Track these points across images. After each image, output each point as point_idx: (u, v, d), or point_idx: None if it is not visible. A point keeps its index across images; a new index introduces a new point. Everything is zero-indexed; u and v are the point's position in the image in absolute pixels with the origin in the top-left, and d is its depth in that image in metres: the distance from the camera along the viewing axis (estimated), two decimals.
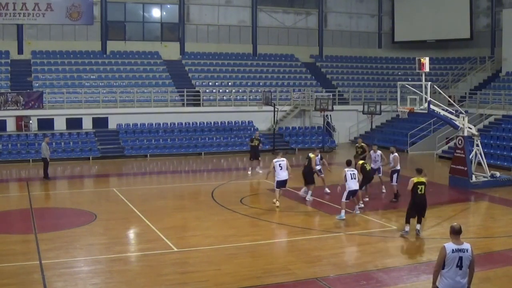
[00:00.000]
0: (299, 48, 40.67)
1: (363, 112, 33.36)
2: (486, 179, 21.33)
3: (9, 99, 29.68)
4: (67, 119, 30.69)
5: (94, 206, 18.01)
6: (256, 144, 24.61)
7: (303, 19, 41.14)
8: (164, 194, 20.65)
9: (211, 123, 32.78)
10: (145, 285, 11.01)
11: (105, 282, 11.26)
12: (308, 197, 18.60)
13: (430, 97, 20.49)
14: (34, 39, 35.03)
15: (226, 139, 31.78)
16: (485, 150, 23.78)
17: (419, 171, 14.60)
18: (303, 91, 35.71)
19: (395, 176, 18.53)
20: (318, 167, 19.52)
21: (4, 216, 17.09)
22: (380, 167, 19.55)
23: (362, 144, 21.64)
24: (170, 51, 37.61)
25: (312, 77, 38.45)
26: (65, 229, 15.11)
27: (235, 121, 33.25)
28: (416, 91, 21.93)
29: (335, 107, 32.72)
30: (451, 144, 27.84)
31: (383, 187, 19.74)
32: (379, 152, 19.76)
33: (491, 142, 27.41)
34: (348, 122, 35.56)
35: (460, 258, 7.86)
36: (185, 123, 32.35)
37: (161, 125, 31.77)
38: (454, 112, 22.35)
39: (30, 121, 29.82)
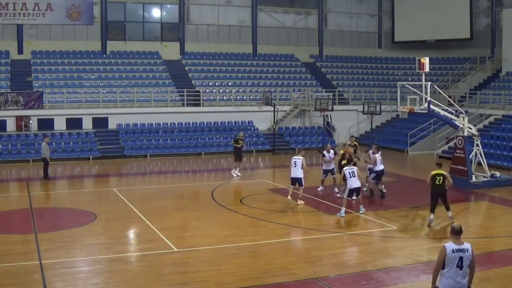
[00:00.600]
0: (299, 48, 40.68)
1: (363, 112, 33.33)
2: (486, 179, 21.32)
3: (9, 99, 29.68)
4: (67, 119, 30.70)
5: (94, 206, 18.01)
6: (241, 144, 24.00)
7: (303, 19, 41.15)
8: (164, 194, 20.65)
9: (211, 123, 32.78)
10: (145, 285, 11.01)
11: (105, 282, 11.26)
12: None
13: (430, 97, 20.49)
14: (34, 39, 35.04)
15: (226, 139, 31.74)
16: (485, 150, 23.78)
17: (439, 165, 15.94)
18: (303, 91, 35.71)
19: (372, 175, 18.92)
20: (332, 166, 19.74)
21: (4, 216, 17.09)
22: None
23: (355, 142, 21.66)
24: (170, 51, 37.62)
25: (312, 77, 38.46)
26: (65, 229, 15.10)
27: (235, 121, 33.25)
28: (416, 91, 21.93)
29: (335, 107, 32.70)
30: (451, 144, 27.84)
31: (383, 186, 19.77)
32: (379, 152, 19.91)
33: (491, 142, 27.41)
34: (348, 122, 35.53)
35: (461, 258, 7.85)
36: (185, 123, 32.35)
37: (161, 125, 31.77)
38: (454, 112, 22.35)
39: (30, 121, 29.82)
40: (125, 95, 32.64)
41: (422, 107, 20.72)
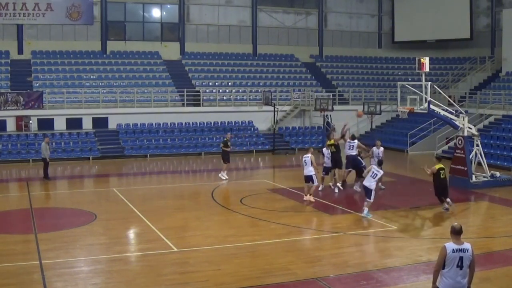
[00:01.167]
0: (299, 48, 40.67)
1: (363, 112, 33.35)
2: (486, 179, 21.32)
3: (9, 99, 29.68)
4: (67, 119, 30.69)
5: (94, 206, 18.00)
6: (229, 146, 23.13)
7: (303, 19, 41.14)
8: (164, 194, 20.65)
9: (211, 123, 32.78)
10: (145, 285, 11.00)
11: (105, 282, 11.25)
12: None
13: (430, 97, 20.47)
14: (34, 39, 35.04)
15: None
16: (485, 150, 23.77)
17: (439, 159, 16.95)
18: (303, 91, 35.71)
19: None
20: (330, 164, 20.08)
21: (4, 216, 17.09)
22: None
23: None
24: (170, 51, 37.61)
25: (312, 77, 38.46)
26: (65, 229, 15.10)
27: (235, 121, 33.25)
28: (416, 91, 21.91)
29: (335, 107, 32.69)
30: (451, 144, 27.83)
31: (380, 184, 19.85)
32: (381, 148, 20.04)
33: (491, 142, 27.41)
34: (348, 122, 35.39)
35: (461, 258, 7.85)
36: (185, 123, 32.35)
37: (161, 125, 31.76)
38: (454, 112, 22.34)
39: (30, 121, 29.82)
40: (125, 95, 32.63)
41: (422, 107, 20.71)
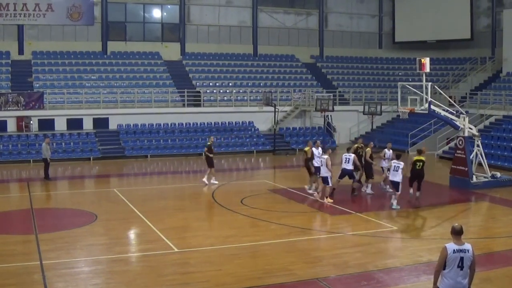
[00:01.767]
0: (299, 48, 40.68)
1: (364, 113, 33.39)
2: (486, 179, 21.32)
3: (10, 100, 29.70)
4: (67, 119, 30.71)
5: (95, 206, 18.01)
6: (212, 151, 22.34)
7: (304, 19, 41.15)
8: (165, 195, 20.64)
9: (211, 123, 32.78)
10: (145, 286, 11.01)
11: (106, 282, 11.26)
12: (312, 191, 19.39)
13: (430, 97, 20.48)
14: (35, 40, 35.06)
15: (227, 139, 31.79)
16: (486, 151, 23.78)
17: (419, 152, 18.33)
18: (303, 92, 35.72)
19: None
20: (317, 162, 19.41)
21: (4, 217, 17.09)
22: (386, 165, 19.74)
23: (362, 144, 21.59)
24: (170, 51, 37.63)
25: (312, 78, 38.46)
26: (66, 230, 15.11)
27: (235, 122, 33.26)
28: (416, 91, 21.93)
29: (335, 108, 32.73)
30: (452, 144, 27.84)
31: (382, 183, 19.83)
32: (391, 151, 20.04)
33: (492, 142, 27.40)
34: (349, 122, 35.54)
35: (461, 259, 7.85)
36: (186, 124, 32.35)
37: (162, 126, 31.77)
38: (454, 112, 22.34)
39: (31, 122, 29.84)
40: (125, 95, 32.65)
41: (422, 107, 20.71)
